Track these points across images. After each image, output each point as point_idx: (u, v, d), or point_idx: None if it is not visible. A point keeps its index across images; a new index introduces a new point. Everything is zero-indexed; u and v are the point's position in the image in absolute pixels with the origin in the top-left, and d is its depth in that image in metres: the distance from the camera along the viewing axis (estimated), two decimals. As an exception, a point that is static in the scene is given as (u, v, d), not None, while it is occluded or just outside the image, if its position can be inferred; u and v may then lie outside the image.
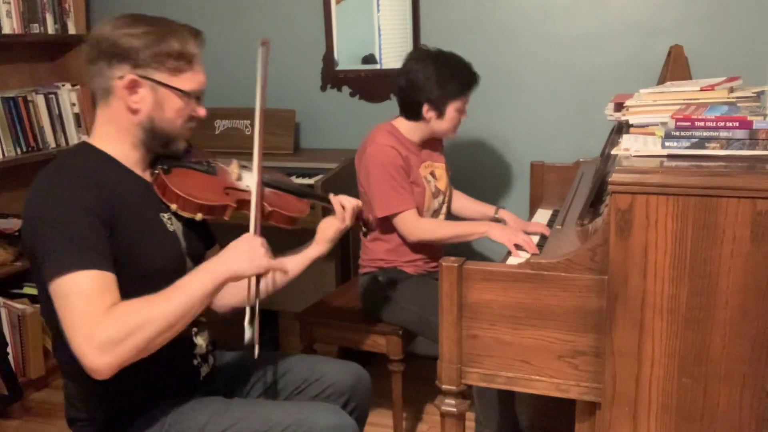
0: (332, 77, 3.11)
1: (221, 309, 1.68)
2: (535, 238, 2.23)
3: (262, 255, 1.42)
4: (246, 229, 1.49)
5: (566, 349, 1.46)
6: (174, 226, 1.53)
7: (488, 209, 2.58)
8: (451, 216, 2.58)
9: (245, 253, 1.41)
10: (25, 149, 2.97)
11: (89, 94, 3.29)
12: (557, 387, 1.49)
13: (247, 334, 1.43)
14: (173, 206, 1.49)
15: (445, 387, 1.58)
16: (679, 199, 1.30)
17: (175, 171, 1.53)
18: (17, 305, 2.90)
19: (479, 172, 2.98)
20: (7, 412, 2.77)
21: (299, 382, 1.69)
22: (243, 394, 1.69)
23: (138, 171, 1.51)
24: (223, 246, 1.47)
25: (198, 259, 1.60)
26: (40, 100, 3.06)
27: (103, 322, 1.25)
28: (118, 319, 1.26)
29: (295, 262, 1.68)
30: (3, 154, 2.87)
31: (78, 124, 3.24)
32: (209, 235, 1.68)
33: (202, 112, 1.53)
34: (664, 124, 1.47)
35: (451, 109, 2.30)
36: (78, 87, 3.25)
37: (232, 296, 1.63)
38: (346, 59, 3.08)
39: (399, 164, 2.28)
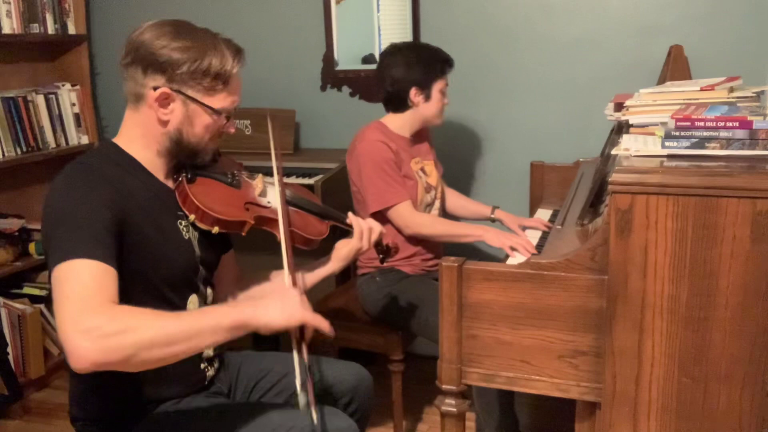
0: (332, 77, 3.11)
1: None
2: (536, 235, 2.23)
3: (296, 305, 1.35)
4: (269, 237, 1.47)
5: (566, 349, 1.46)
6: (190, 234, 1.51)
7: (484, 209, 2.58)
8: (446, 215, 2.59)
9: (279, 303, 1.34)
10: (25, 149, 2.96)
11: (89, 94, 3.30)
12: (557, 387, 1.48)
13: (302, 400, 1.32)
14: (191, 217, 1.47)
15: (445, 387, 1.58)
16: (679, 199, 1.30)
17: (199, 180, 1.51)
18: (17, 305, 2.90)
19: (479, 171, 2.98)
20: (7, 412, 2.77)
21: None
22: (245, 396, 1.69)
23: (161, 177, 1.50)
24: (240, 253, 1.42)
25: (211, 267, 1.60)
26: (40, 100, 3.06)
27: (97, 310, 1.17)
28: (113, 313, 1.18)
29: (307, 279, 1.66)
30: (3, 154, 2.87)
31: (78, 124, 3.24)
32: (225, 241, 1.66)
33: (231, 129, 1.52)
34: (664, 124, 1.47)
35: (435, 90, 2.37)
36: (78, 87, 3.25)
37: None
38: (346, 59, 3.08)
39: (390, 158, 2.29)
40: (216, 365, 1.63)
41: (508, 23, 2.83)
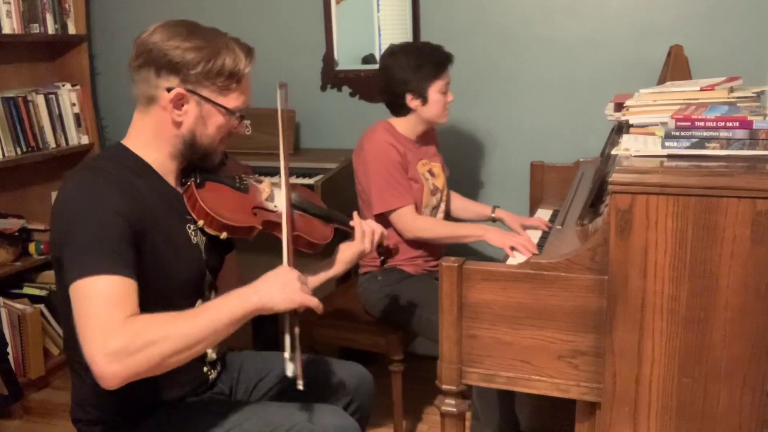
0: (332, 77, 3.11)
1: None
2: (536, 235, 2.23)
3: (296, 290, 1.37)
4: (271, 238, 1.46)
5: (566, 349, 1.46)
6: (197, 238, 1.51)
7: (485, 209, 2.58)
8: (449, 216, 2.59)
9: (279, 287, 1.36)
10: (25, 149, 2.96)
11: (89, 94, 3.30)
12: (557, 387, 1.48)
13: (289, 368, 1.36)
14: (200, 222, 1.46)
15: (445, 387, 1.58)
16: (679, 199, 1.30)
17: (208, 185, 1.50)
18: (17, 305, 2.90)
19: (479, 172, 2.98)
20: (7, 412, 2.77)
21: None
22: (246, 395, 1.69)
23: (171, 180, 1.49)
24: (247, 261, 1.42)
25: (216, 270, 1.59)
26: (40, 100, 3.06)
27: (120, 330, 1.21)
28: (135, 329, 1.21)
29: (310, 281, 1.64)
30: (3, 154, 2.87)
31: (78, 124, 3.24)
32: (229, 244, 1.65)
33: (242, 129, 1.52)
34: (664, 124, 1.47)
35: (433, 92, 2.32)
36: (78, 87, 3.25)
37: None
38: (346, 59, 3.08)
39: (396, 160, 2.29)
40: (218, 368, 1.63)
41: (508, 23, 2.83)
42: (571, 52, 2.76)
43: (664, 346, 1.37)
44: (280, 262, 1.45)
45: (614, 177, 1.33)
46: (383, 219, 2.30)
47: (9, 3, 2.90)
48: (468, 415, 1.72)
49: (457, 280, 1.50)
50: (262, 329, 2.77)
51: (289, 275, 1.39)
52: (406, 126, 2.39)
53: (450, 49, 2.39)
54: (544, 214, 2.50)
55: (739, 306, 1.31)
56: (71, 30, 3.22)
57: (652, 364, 1.38)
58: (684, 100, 1.65)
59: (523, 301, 1.47)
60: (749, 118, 1.37)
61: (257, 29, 3.14)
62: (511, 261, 1.91)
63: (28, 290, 3.05)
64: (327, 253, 1.69)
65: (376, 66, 3.01)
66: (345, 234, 1.70)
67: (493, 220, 2.55)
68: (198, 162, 1.50)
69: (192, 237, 1.50)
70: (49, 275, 3.08)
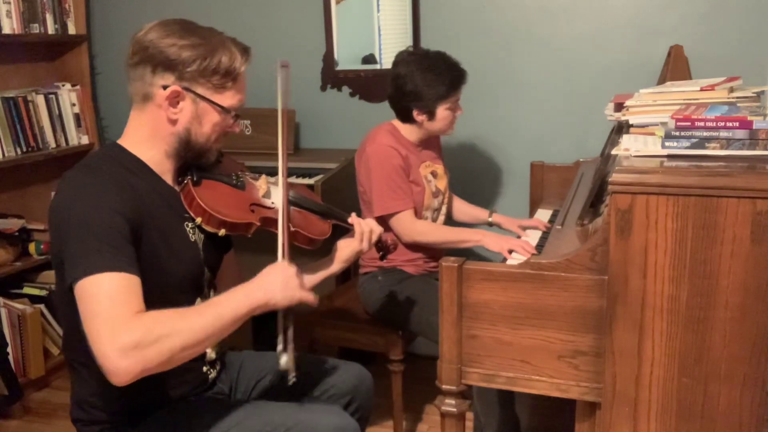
0: (332, 77, 3.11)
1: None
2: (536, 235, 2.23)
3: (296, 286, 1.39)
4: (269, 237, 1.46)
5: (566, 349, 1.46)
6: (195, 236, 1.51)
7: (482, 213, 2.58)
8: (450, 219, 2.58)
9: (281, 284, 1.38)
10: (25, 149, 2.96)
11: (89, 94, 3.30)
12: (557, 387, 1.48)
13: (282, 360, 1.40)
14: (198, 219, 1.47)
15: (445, 387, 1.58)
16: (679, 199, 1.30)
17: (205, 183, 1.51)
18: (17, 305, 2.90)
19: (479, 172, 2.98)
20: (7, 412, 2.77)
21: (301, 382, 1.69)
22: (245, 395, 1.69)
23: (167, 178, 1.49)
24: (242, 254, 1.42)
25: (215, 268, 1.60)
26: (40, 100, 3.06)
27: (130, 325, 1.21)
28: (145, 324, 1.22)
29: (308, 280, 1.65)
30: (3, 154, 2.87)
31: (78, 124, 3.24)
32: (227, 242, 1.66)
33: (236, 128, 1.52)
34: (664, 124, 1.47)
35: (441, 110, 2.30)
36: (78, 87, 3.25)
37: None
38: (346, 59, 3.08)
39: (398, 164, 2.28)
40: (218, 367, 1.63)
41: (508, 23, 2.83)
42: (571, 52, 2.76)
43: (664, 346, 1.37)
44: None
45: (614, 177, 1.33)
46: (383, 221, 2.30)
47: (9, 3, 2.90)
48: (469, 415, 1.72)
49: (457, 280, 1.50)
50: (262, 329, 2.77)
51: (288, 271, 1.40)
52: (409, 131, 2.38)
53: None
54: (544, 214, 2.50)
55: (739, 306, 1.31)
56: (71, 30, 3.22)
57: (652, 364, 1.38)
58: (684, 100, 1.65)
59: (523, 301, 1.47)
60: (749, 118, 1.37)
61: (257, 29, 3.14)
62: (511, 261, 1.91)
63: (28, 290, 3.05)
64: (326, 249, 1.69)
65: (377, 66, 3.03)
66: (343, 230, 1.70)
67: (490, 224, 2.54)
68: (193, 160, 1.50)
69: (190, 235, 1.50)
70: (49, 275, 3.08)
